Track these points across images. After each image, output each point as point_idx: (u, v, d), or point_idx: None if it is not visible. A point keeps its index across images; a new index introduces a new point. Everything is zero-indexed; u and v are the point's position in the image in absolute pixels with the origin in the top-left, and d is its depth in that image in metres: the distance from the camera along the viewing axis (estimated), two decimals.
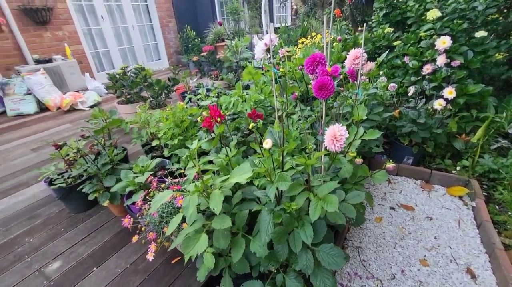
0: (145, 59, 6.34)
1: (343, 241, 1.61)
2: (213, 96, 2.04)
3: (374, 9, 2.99)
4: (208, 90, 3.54)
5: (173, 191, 1.01)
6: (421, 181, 2.09)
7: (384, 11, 2.79)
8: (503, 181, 1.83)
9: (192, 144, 1.14)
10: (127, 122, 1.91)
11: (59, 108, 3.86)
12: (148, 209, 1.21)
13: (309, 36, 3.08)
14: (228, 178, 0.98)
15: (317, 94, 0.89)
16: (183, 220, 1.06)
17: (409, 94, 1.95)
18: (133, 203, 1.49)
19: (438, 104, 1.84)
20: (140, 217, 1.28)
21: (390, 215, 1.80)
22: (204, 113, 1.21)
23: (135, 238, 1.18)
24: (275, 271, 1.10)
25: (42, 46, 4.39)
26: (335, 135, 0.87)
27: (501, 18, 2.27)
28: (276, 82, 1.60)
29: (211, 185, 1.07)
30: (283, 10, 9.65)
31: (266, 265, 1.07)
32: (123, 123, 1.89)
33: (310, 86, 1.87)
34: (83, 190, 1.60)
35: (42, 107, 3.89)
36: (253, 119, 1.48)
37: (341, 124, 0.88)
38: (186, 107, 1.88)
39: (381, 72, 2.19)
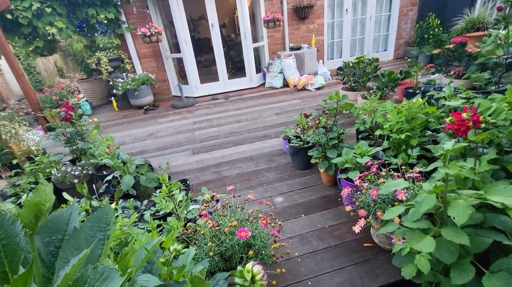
0: (371, 49, 6.32)
1: None
2: (462, 97, 1.72)
3: None
4: (439, 89, 3.01)
5: (408, 182, 1.03)
6: None
7: None
8: None
9: (441, 145, 1.07)
10: (356, 107, 2.09)
11: (295, 86, 4.89)
12: (367, 189, 1.33)
13: None
14: (483, 194, 0.85)
15: None
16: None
17: None
18: (346, 178, 1.69)
19: None
20: (353, 193, 1.44)
21: None
22: (464, 115, 1.08)
23: (348, 208, 1.36)
24: None
25: (297, 37, 5.60)
26: None
27: None
28: None
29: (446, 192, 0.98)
30: None
31: None
32: (352, 108, 2.10)
33: None
34: (309, 153, 2.01)
35: (285, 84, 5.11)
36: None
37: None
38: (424, 105, 1.75)
39: None
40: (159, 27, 4.39)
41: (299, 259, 1.48)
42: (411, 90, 3.36)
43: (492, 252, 1.01)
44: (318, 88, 4.75)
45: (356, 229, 1.27)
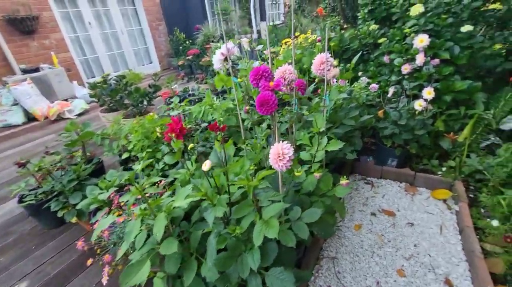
0: (136, 63, 6.30)
1: (318, 252, 1.55)
2: (186, 105, 1.99)
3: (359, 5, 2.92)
4: (192, 95, 3.50)
5: (119, 215, 0.96)
6: (405, 183, 2.02)
7: (369, 7, 2.71)
8: (488, 182, 1.75)
9: (158, 158, 1.09)
10: (98, 134, 1.86)
11: (46, 117, 3.84)
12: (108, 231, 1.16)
13: (295, 35, 3.02)
14: (173, 200, 0.93)
15: (260, 111, 0.84)
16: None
17: (389, 95, 1.88)
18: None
19: (418, 105, 1.77)
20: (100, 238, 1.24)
21: (370, 221, 1.74)
22: (157, 129, 1.16)
23: (89, 261, 1.14)
24: None
25: (29, 56, 4.37)
26: (279, 153, 0.81)
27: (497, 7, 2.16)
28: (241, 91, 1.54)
29: (161, 206, 1.02)
30: (276, 8, 9.53)
31: None
32: (94, 136, 1.85)
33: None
34: (50, 208, 1.56)
35: (30, 117, 3.88)
36: (215, 131, 1.42)
37: (286, 141, 0.83)
38: (158, 117, 1.84)
39: (360, 73, 2.12)
40: None
41: None
42: (171, 100, 3.64)
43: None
44: (81, 114, 4.03)
45: (104, 280, 1.09)
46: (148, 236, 1.02)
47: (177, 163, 1.69)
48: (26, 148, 3.08)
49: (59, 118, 3.88)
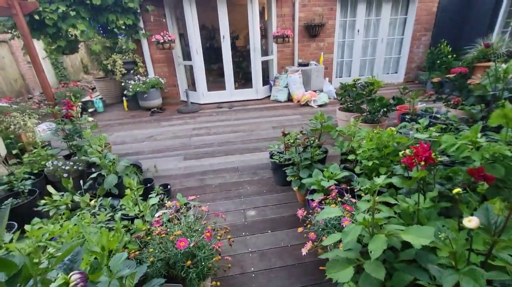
0: (381, 71, 6.31)
1: None
2: (434, 131, 1.73)
3: None
4: (435, 118, 2.98)
5: (343, 210, 1.07)
6: None
7: None
8: None
9: (380, 175, 1.12)
10: (336, 130, 2.14)
11: (298, 101, 4.96)
12: (318, 213, 1.37)
13: None
14: (403, 231, 0.89)
15: None
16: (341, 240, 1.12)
17: None
18: (312, 199, 1.73)
19: None
20: (310, 215, 1.48)
21: None
22: (407, 151, 1.11)
23: (300, 229, 1.41)
24: None
25: (306, 54, 5.70)
26: None
27: None
28: None
29: (381, 225, 1.02)
30: None
31: None
32: (333, 130, 2.15)
33: None
34: (285, 171, 2.07)
35: (289, 98, 5.19)
36: (475, 178, 1.15)
37: None
38: (396, 134, 1.77)
39: None
40: (173, 35, 4.63)
41: (253, 275, 1.53)
42: (408, 116, 3.34)
43: None
44: (321, 105, 4.79)
45: (304, 251, 1.31)
46: None
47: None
48: (280, 119, 4.20)
49: (305, 104, 4.86)
